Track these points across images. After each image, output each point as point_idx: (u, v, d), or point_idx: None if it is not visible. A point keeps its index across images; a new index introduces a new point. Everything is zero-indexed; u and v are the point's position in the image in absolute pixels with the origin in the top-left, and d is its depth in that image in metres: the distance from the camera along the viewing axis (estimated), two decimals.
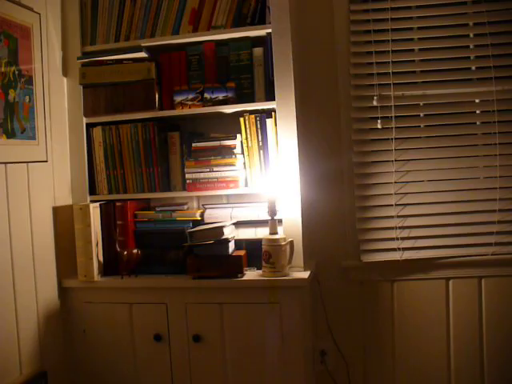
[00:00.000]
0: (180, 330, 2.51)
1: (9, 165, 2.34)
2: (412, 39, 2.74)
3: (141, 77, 2.64)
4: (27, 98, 2.46)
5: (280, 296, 2.40)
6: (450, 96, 2.72)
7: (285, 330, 2.41)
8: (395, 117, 2.71)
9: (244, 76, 2.62)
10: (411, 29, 2.73)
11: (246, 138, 2.61)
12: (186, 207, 2.80)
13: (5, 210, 2.32)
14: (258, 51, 2.61)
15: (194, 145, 2.65)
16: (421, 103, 2.75)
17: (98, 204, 2.67)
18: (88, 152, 2.75)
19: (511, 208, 2.67)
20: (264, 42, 2.60)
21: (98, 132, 2.74)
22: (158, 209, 2.73)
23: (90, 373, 2.63)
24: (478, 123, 2.74)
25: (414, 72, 2.75)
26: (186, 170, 2.65)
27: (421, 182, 2.75)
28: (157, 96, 2.66)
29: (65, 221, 2.64)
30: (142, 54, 2.64)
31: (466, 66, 2.71)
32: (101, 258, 2.64)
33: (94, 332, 2.62)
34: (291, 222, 2.51)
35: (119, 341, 2.59)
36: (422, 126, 2.76)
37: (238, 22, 2.59)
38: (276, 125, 2.53)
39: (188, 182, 2.64)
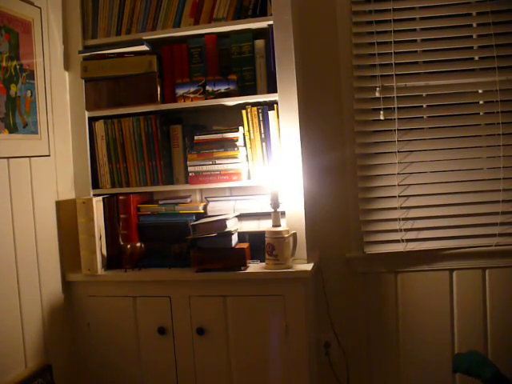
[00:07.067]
0: (184, 323, 2.52)
1: (11, 159, 2.34)
2: (414, 30, 2.72)
3: (142, 70, 2.64)
4: (29, 92, 2.46)
5: (283, 288, 2.41)
6: (453, 86, 2.71)
7: (288, 322, 2.41)
8: (398, 108, 2.70)
9: (246, 68, 2.62)
10: (413, 19, 2.71)
11: (249, 131, 2.61)
12: (188, 200, 2.80)
13: (8, 204, 2.32)
14: (259, 43, 2.60)
15: (196, 138, 2.65)
16: (424, 94, 2.74)
17: (100, 198, 2.67)
18: (90, 146, 2.75)
19: None
20: (266, 33, 2.59)
21: (100, 126, 2.74)
22: (160, 202, 2.73)
23: (94, 366, 2.64)
24: (481, 113, 2.73)
25: (416, 63, 2.73)
26: (188, 162, 2.65)
27: (424, 173, 2.74)
28: (159, 89, 2.66)
29: (68, 215, 2.64)
30: (144, 47, 2.63)
31: (468, 56, 2.69)
32: (104, 252, 2.64)
33: (98, 325, 2.63)
34: (294, 214, 2.51)
35: (123, 334, 2.60)
36: (424, 116, 2.75)
37: (240, 14, 2.58)
38: (278, 117, 2.53)
39: (191, 174, 2.64)
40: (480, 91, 2.71)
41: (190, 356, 2.52)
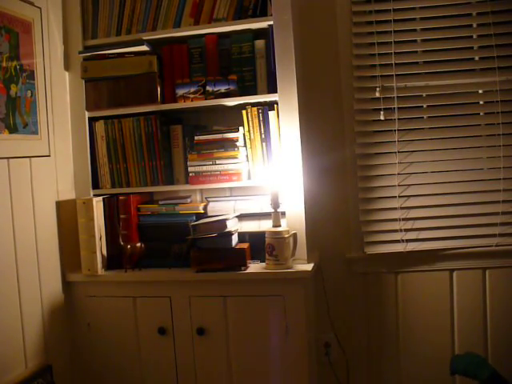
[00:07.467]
0: (184, 323, 2.52)
1: (11, 160, 2.34)
2: (415, 30, 2.72)
3: (142, 70, 2.64)
4: (29, 92, 2.46)
5: (283, 288, 2.41)
6: (453, 87, 2.71)
7: (288, 322, 2.41)
8: (398, 108, 2.70)
9: (246, 68, 2.62)
10: (414, 19, 2.70)
11: (249, 131, 2.61)
12: (189, 200, 2.80)
13: (8, 205, 2.32)
14: (259, 43, 2.60)
15: (196, 138, 2.65)
16: (424, 94, 2.73)
17: (101, 198, 2.67)
18: (91, 146, 2.75)
19: None
20: (266, 33, 2.59)
21: (100, 126, 2.74)
22: (161, 202, 2.73)
23: (94, 366, 2.64)
24: (481, 114, 2.72)
25: (416, 63, 2.73)
26: (188, 163, 2.65)
27: (424, 174, 2.74)
28: (159, 89, 2.66)
29: (68, 215, 2.64)
30: (144, 48, 2.63)
31: (469, 56, 2.69)
32: (104, 252, 2.64)
33: (98, 326, 2.63)
34: (294, 214, 2.51)
35: (123, 334, 2.60)
36: (425, 117, 2.75)
37: (240, 15, 2.58)
38: (278, 117, 2.53)
39: (191, 174, 2.64)
40: (480, 91, 2.71)
41: (190, 356, 2.52)
